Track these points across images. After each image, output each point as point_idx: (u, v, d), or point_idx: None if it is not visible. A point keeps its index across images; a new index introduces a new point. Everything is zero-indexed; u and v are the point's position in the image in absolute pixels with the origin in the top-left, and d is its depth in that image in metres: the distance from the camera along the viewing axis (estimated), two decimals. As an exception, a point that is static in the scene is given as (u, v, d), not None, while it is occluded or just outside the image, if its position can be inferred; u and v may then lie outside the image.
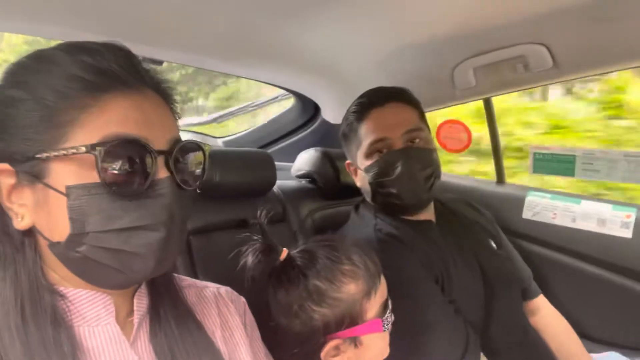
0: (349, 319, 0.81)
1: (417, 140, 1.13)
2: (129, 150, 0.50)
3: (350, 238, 0.91)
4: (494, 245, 1.24)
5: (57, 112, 0.49)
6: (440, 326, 0.99)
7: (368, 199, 1.22)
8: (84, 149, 0.48)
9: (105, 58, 0.53)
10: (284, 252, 0.85)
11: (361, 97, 1.22)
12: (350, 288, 0.81)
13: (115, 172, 0.50)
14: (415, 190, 1.11)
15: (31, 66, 0.53)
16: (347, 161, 1.26)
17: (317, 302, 0.81)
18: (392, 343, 0.86)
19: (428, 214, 1.20)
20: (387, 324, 0.83)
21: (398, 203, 1.12)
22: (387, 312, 0.84)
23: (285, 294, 0.83)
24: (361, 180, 1.21)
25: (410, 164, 1.10)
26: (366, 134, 1.15)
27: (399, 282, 0.91)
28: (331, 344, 0.81)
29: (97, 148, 0.48)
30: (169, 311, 0.62)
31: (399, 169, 1.09)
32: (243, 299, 0.77)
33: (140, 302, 0.61)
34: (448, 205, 1.29)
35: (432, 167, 1.13)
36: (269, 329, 0.83)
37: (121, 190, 0.50)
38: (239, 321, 0.73)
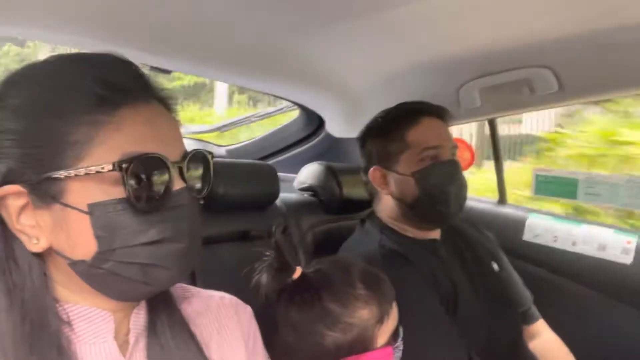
0: (361, 345, 0.80)
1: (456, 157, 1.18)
2: (150, 165, 0.51)
3: (362, 260, 0.90)
4: (496, 267, 1.24)
5: (69, 131, 0.49)
6: (442, 346, 0.98)
7: (394, 208, 1.18)
8: (110, 167, 0.48)
9: (112, 71, 0.52)
10: (298, 271, 0.83)
11: (404, 105, 1.22)
12: (364, 313, 0.80)
13: (139, 187, 0.50)
14: (460, 203, 1.16)
15: (28, 81, 0.52)
16: (374, 167, 1.20)
17: (329, 325, 0.79)
18: None
19: (435, 233, 1.20)
20: (399, 351, 0.82)
21: (443, 210, 1.13)
22: (399, 340, 0.83)
23: (298, 313, 0.81)
24: (398, 185, 1.16)
25: (461, 175, 1.16)
26: (418, 139, 1.14)
27: (402, 300, 0.90)
28: None
29: (123, 165, 0.48)
30: (164, 326, 0.61)
31: (455, 178, 1.14)
32: (249, 309, 0.76)
33: (137, 320, 0.60)
34: (452, 224, 1.28)
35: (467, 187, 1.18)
36: (275, 340, 0.82)
37: (143, 204, 0.50)
38: (238, 333, 0.72)
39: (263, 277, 0.80)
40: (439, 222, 1.18)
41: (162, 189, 0.52)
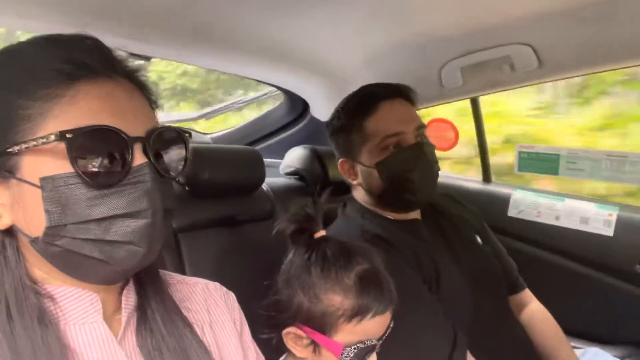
0: (319, 323, 0.80)
1: (424, 137, 1.14)
2: (102, 138, 0.49)
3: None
4: (479, 240, 1.25)
5: (26, 105, 0.49)
6: (428, 326, 1.00)
7: (365, 197, 1.20)
8: (53, 137, 0.47)
9: (73, 47, 0.52)
10: (322, 232, 0.86)
11: (361, 91, 1.19)
12: (335, 299, 0.80)
13: (89, 160, 0.49)
14: (430, 187, 1.12)
15: (2, 59, 0.52)
16: (341, 159, 1.21)
17: (303, 285, 0.81)
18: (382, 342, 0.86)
19: (415, 213, 1.20)
20: (347, 357, 0.79)
21: (411, 199, 1.12)
22: (355, 347, 0.80)
23: (291, 260, 0.85)
24: (364, 177, 1.17)
25: (426, 159, 1.11)
26: (377, 128, 1.12)
27: None
28: (294, 330, 0.82)
29: (67, 136, 0.47)
30: (156, 308, 0.61)
31: (418, 164, 1.09)
32: (232, 295, 0.77)
33: (128, 299, 0.60)
34: (433, 201, 1.27)
35: (438, 164, 1.15)
36: (260, 323, 0.84)
37: (96, 179, 0.49)
38: (228, 317, 0.73)
39: (286, 223, 0.85)
40: (410, 208, 1.17)
41: (117, 163, 0.50)
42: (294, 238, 0.86)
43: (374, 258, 0.86)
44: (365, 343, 0.80)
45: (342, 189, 1.46)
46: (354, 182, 1.20)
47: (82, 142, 0.48)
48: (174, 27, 1.14)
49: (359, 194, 1.23)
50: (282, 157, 1.69)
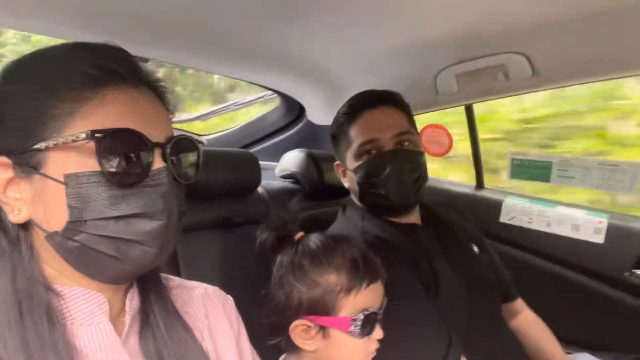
0: (322, 306, 0.84)
1: (407, 144, 1.15)
2: (127, 140, 0.52)
3: (358, 240, 0.95)
4: (476, 249, 1.27)
5: (55, 105, 0.51)
6: (424, 329, 1.01)
7: (356, 200, 1.24)
8: (83, 135, 0.49)
9: (102, 54, 0.54)
10: (300, 234, 0.92)
11: (352, 99, 1.23)
12: (331, 277, 0.85)
13: (113, 161, 0.51)
14: (403, 192, 1.13)
15: (29, 63, 0.54)
16: (337, 162, 1.27)
17: (298, 278, 0.85)
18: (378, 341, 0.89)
19: (414, 217, 1.22)
20: (357, 327, 0.83)
21: (385, 204, 1.14)
22: (361, 315, 0.84)
23: (280, 263, 0.89)
24: (350, 181, 1.22)
25: (399, 165, 1.12)
26: (356, 135, 1.16)
27: (385, 283, 0.92)
28: (300, 322, 0.85)
29: (97, 135, 0.50)
30: (158, 313, 0.62)
31: (387, 170, 1.11)
32: (231, 299, 0.78)
33: (132, 302, 0.61)
34: (432, 208, 1.31)
35: (420, 170, 1.15)
36: (257, 326, 0.85)
37: (118, 178, 0.51)
38: (226, 321, 0.74)
39: (263, 233, 0.90)
40: (389, 213, 1.19)
41: (138, 165, 0.53)
42: (277, 247, 0.91)
43: (356, 242, 0.93)
44: (368, 310, 0.85)
45: (338, 192, 1.47)
46: (346, 185, 1.26)
47: (109, 143, 0.51)
48: (171, 30, 1.14)
49: (354, 197, 1.26)
50: (277, 159, 1.70)
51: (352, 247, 0.89)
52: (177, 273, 1.06)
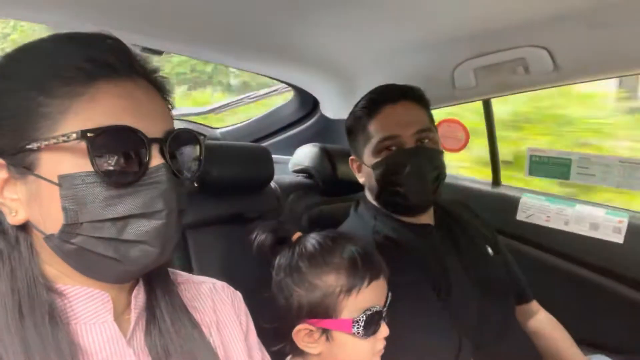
0: (323, 309, 0.82)
1: (427, 141, 1.12)
2: (122, 137, 0.50)
3: (358, 236, 0.92)
4: (490, 250, 1.24)
5: (46, 102, 0.49)
6: (434, 331, 1.00)
7: (371, 196, 1.21)
8: (74, 135, 0.47)
9: (94, 46, 0.52)
10: (297, 234, 0.90)
11: (372, 92, 1.20)
12: (330, 279, 0.82)
13: (108, 160, 0.49)
14: (423, 191, 1.10)
15: (18, 58, 0.52)
16: (351, 157, 1.24)
17: (296, 281, 0.84)
18: (388, 344, 0.87)
19: (428, 218, 1.19)
20: (359, 328, 0.81)
21: (403, 203, 1.12)
22: (363, 316, 0.82)
23: (277, 266, 0.87)
24: (366, 177, 1.19)
25: (420, 164, 1.09)
26: (376, 131, 1.13)
27: (395, 285, 0.90)
28: (303, 326, 0.83)
29: (88, 135, 0.47)
30: (165, 308, 0.61)
31: (408, 169, 1.08)
32: (239, 294, 0.77)
33: (138, 299, 0.60)
34: (446, 207, 1.28)
35: (439, 169, 1.13)
36: (266, 323, 0.84)
37: (114, 178, 0.49)
38: (234, 317, 0.73)
39: (260, 235, 0.89)
40: (406, 212, 1.16)
41: (135, 163, 0.50)
42: (275, 249, 0.90)
43: (355, 237, 0.90)
44: (371, 310, 0.83)
45: (351, 188, 1.46)
46: (360, 180, 1.23)
47: (102, 141, 0.48)
48: (186, 23, 1.14)
49: (368, 193, 1.23)
50: (290, 153, 1.69)
51: (351, 245, 0.86)
52: (188, 268, 1.06)
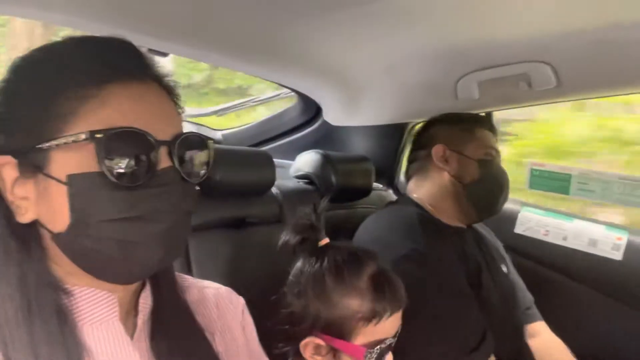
0: (337, 330, 0.81)
1: None
2: (130, 139, 0.50)
3: (401, 220, 1.06)
4: (505, 269, 1.31)
5: (58, 103, 0.49)
6: (465, 315, 1.05)
7: (446, 187, 1.27)
8: (83, 136, 0.48)
9: (106, 49, 0.53)
10: (326, 240, 0.88)
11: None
12: (353, 303, 0.81)
13: (116, 161, 0.49)
14: (502, 204, 1.29)
15: (35, 59, 0.53)
16: (438, 145, 1.28)
17: (317, 294, 0.82)
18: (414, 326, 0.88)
19: (462, 223, 1.30)
20: (370, 359, 0.80)
21: (492, 202, 1.26)
22: (377, 349, 0.81)
23: (300, 271, 0.86)
24: (460, 166, 1.26)
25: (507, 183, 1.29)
26: (485, 138, 1.28)
27: (433, 265, 1.00)
28: (312, 339, 0.82)
29: (97, 136, 0.48)
30: (171, 313, 0.62)
31: (507, 182, 1.28)
32: (242, 300, 0.77)
33: (146, 302, 0.61)
34: (474, 226, 1.37)
35: None
36: (267, 328, 0.84)
37: (123, 180, 0.49)
38: (237, 322, 0.73)
39: (291, 234, 0.87)
40: (482, 211, 1.26)
41: (143, 165, 0.51)
42: (299, 248, 0.88)
43: (380, 260, 0.88)
44: (385, 342, 0.82)
45: (352, 195, 1.46)
46: (444, 168, 1.27)
47: (111, 143, 0.49)
48: (191, 26, 1.14)
49: (431, 184, 1.29)
50: (292, 158, 1.69)
51: (375, 268, 0.85)
52: (189, 272, 1.06)
